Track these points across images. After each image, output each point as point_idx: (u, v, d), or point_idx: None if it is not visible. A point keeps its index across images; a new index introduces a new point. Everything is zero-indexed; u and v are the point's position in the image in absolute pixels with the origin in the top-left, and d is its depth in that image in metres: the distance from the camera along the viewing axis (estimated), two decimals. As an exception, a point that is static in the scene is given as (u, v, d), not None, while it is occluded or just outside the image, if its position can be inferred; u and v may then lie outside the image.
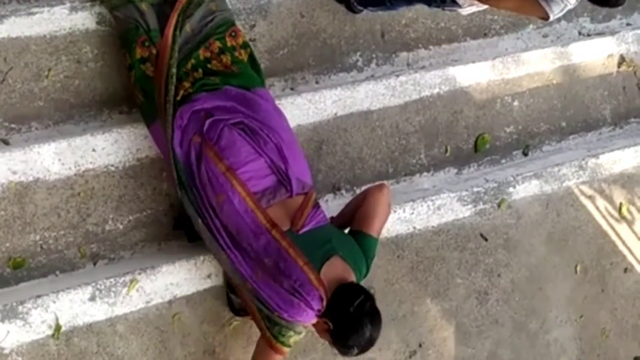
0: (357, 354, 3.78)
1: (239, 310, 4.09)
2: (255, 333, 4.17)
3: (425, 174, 4.83)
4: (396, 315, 4.53)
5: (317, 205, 3.95)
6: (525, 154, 5.10)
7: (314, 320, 3.79)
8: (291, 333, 3.81)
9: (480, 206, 4.72)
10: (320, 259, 3.75)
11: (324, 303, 3.72)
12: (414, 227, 4.56)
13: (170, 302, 4.04)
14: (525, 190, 4.83)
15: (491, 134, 4.99)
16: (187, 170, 3.84)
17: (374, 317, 3.76)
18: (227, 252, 3.81)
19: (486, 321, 4.78)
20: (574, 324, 5.01)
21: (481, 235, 4.73)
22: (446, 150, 4.87)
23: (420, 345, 4.61)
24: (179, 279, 4.03)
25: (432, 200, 4.60)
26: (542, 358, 4.94)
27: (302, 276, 3.70)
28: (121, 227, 4.12)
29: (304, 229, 3.82)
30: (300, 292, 3.69)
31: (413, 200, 4.57)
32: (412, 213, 4.54)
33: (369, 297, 3.73)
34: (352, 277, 3.84)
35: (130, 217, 4.13)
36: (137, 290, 3.96)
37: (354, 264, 3.87)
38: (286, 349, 3.87)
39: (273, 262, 3.73)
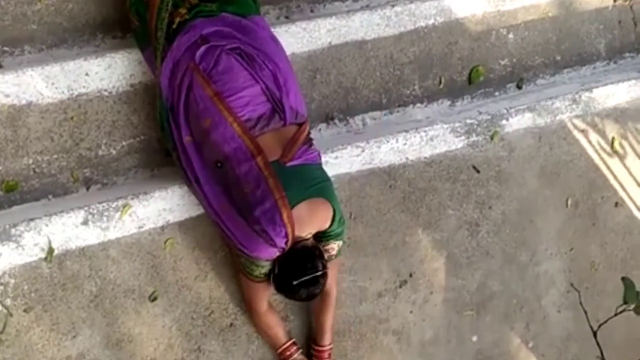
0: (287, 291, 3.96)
1: None
2: (247, 260, 4.21)
3: (418, 105, 4.83)
4: (387, 245, 4.55)
5: (310, 141, 3.96)
6: (519, 87, 5.10)
7: (277, 254, 3.84)
8: (254, 267, 3.89)
9: (473, 138, 4.72)
10: (300, 197, 3.78)
11: (289, 241, 3.77)
12: (407, 158, 4.56)
13: (162, 227, 4.06)
14: (518, 123, 4.83)
15: (485, 66, 4.97)
16: (170, 100, 3.84)
17: (314, 285, 3.88)
18: (193, 185, 3.86)
19: (476, 252, 4.80)
20: (563, 257, 5.05)
21: (473, 167, 4.74)
22: (440, 82, 4.86)
23: (410, 275, 4.64)
24: (171, 205, 4.04)
25: (425, 132, 4.60)
26: (531, 290, 4.98)
27: (274, 209, 3.71)
28: (114, 152, 4.13)
29: (292, 162, 3.83)
30: (265, 229, 3.71)
31: (406, 131, 4.57)
32: (405, 144, 4.54)
33: (316, 281, 3.86)
34: (327, 223, 3.92)
35: (124, 143, 4.14)
36: (130, 216, 3.98)
37: (337, 208, 3.93)
38: (253, 278, 3.96)
39: (251, 190, 3.72)
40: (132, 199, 3.98)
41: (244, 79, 3.82)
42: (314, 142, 4.02)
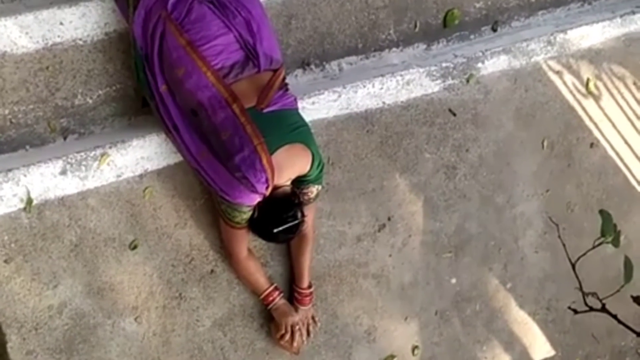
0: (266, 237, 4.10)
1: None
2: (226, 206, 4.22)
3: (394, 49, 4.82)
4: (365, 189, 4.58)
5: (285, 87, 3.97)
6: (494, 30, 5.10)
7: (259, 200, 3.87)
8: (236, 214, 3.90)
9: (449, 81, 4.73)
10: (279, 142, 3.80)
11: (270, 186, 3.80)
12: (383, 102, 4.57)
13: (141, 176, 4.06)
14: (493, 65, 4.84)
15: (460, 9, 4.97)
16: (145, 49, 3.83)
17: (292, 235, 4.04)
18: (172, 133, 3.86)
19: (454, 195, 4.84)
20: (540, 198, 5.09)
21: (450, 110, 4.75)
22: (415, 26, 4.86)
23: (389, 219, 4.67)
24: (149, 153, 4.04)
25: (401, 76, 4.61)
26: (508, 231, 5.03)
27: (253, 155, 3.72)
28: (90, 101, 4.11)
29: (269, 109, 3.84)
30: (246, 175, 3.73)
31: (382, 76, 4.57)
32: (382, 88, 4.55)
33: (295, 228, 3.97)
34: (307, 168, 3.95)
35: (100, 92, 4.12)
36: (108, 164, 3.98)
37: (315, 152, 3.95)
38: (234, 224, 3.98)
39: (229, 137, 3.73)
40: (110, 147, 3.97)
41: (216, 28, 3.80)
42: (289, 87, 4.02)
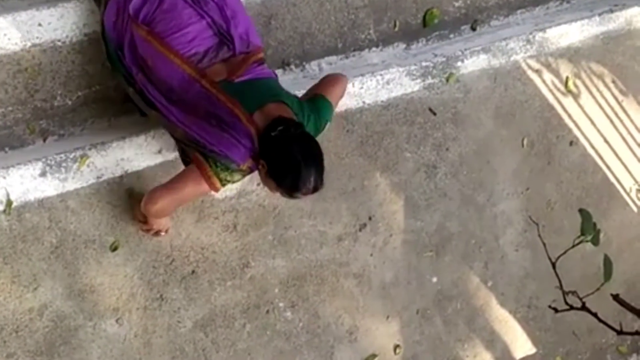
0: (306, 192, 3.64)
1: None
2: (207, 207, 4.22)
3: (374, 49, 4.83)
4: (346, 189, 4.58)
5: (261, 62, 3.87)
6: (473, 29, 5.11)
7: (249, 162, 3.67)
8: (226, 174, 3.69)
9: (429, 80, 4.74)
10: (258, 103, 3.67)
11: (256, 142, 3.62)
12: (364, 102, 4.58)
13: (121, 177, 4.05)
14: (473, 64, 4.85)
15: (440, 8, 4.98)
16: (117, 41, 3.81)
17: (303, 140, 3.64)
18: (158, 109, 3.78)
19: (435, 194, 4.85)
20: (520, 197, 5.11)
21: (430, 109, 4.76)
22: (395, 25, 4.86)
23: (370, 218, 4.68)
24: (129, 154, 4.03)
25: (381, 75, 4.61)
26: (489, 230, 5.04)
27: (231, 118, 3.64)
28: (70, 103, 4.10)
29: (241, 78, 3.75)
30: (230, 132, 3.63)
31: (362, 75, 4.58)
32: (362, 88, 4.55)
33: (296, 125, 3.64)
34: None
35: (79, 93, 4.11)
36: (88, 166, 3.96)
37: (301, 114, 3.79)
38: (216, 184, 3.71)
39: (205, 110, 3.69)
40: (90, 149, 3.96)
41: (188, 16, 3.77)
42: (265, 63, 3.91)
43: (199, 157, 3.70)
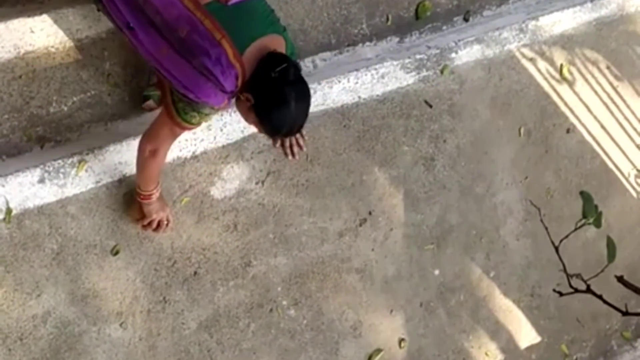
0: (286, 134, 3.62)
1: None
2: (207, 208, 4.22)
3: (367, 43, 4.82)
4: (345, 184, 4.58)
5: None
6: (466, 20, 5.11)
7: (226, 104, 3.54)
8: (194, 114, 3.56)
9: (424, 73, 4.74)
10: (251, 36, 3.44)
11: (240, 82, 3.43)
12: (359, 97, 4.57)
13: (120, 181, 4.05)
14: (467, 55, 4.85)
15: (432, 0, 4.98)
16: None
17: (300, 87, 3.48)
18: (126, 33, 3.54)
19: (434, 187, 4.85)
20: (519, 186, 5.11)
21: (425, 101, 4.76)
22: (387, 19, 4.86)
23: (370, 213, 4.67)
24: (127, 158, 4.02)
25: (375, 69, 4.61)
26: (489, 220, 5.04)
27: (217, 50, 3.37)
28: (65, 108, 4.09)
29: (234, 1, 3.45)
30: (212, 71, 3.38)
31: (357, 70, 4.57)
32: (357, 82, 4.55)
33: (294, 66, 3.44)
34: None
35: (74, 99, 4.10)
36: (86, 171, 3.96)
37: (290, 45, 3.65)
38: (187, 125, 3.61)
39: (187, 34, 3.39)
40: (87, 154, 3.95)
41: None
42: None
43: (168, 96, 3.57)
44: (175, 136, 3.73)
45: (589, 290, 3.15)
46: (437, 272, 4.91)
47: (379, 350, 4.76)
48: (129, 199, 4.08)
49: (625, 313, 3.22)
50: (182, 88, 3.45)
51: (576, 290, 3.20)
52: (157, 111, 3.92)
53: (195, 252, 4.24)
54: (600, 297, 3.16)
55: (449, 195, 4.90)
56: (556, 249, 3.13)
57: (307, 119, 3.56)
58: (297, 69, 3.48)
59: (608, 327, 5.58)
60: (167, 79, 3.52)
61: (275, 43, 3.52)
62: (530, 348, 5.28)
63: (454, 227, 4.93)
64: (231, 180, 4.29)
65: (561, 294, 3.33)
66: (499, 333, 5.16)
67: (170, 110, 3.59)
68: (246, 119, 3.57)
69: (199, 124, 3.64)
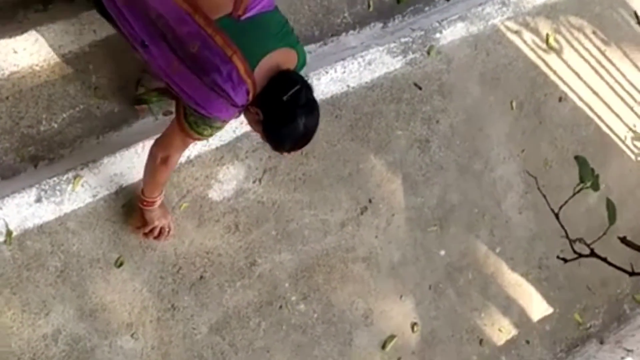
0: (290, 150, 3.63)
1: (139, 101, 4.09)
2: (207, 211, 4.21)
3: (351, 32, 4.81)
4: (342, 174, 4.58)
5: None
6: (447, -1, 5.11)
7: (237, 115, 3.58)
8: (206, 127, 3.58)
9: (410, 56, 4.73)
10: (264, 50, 3.45)
11: (251, 97, 3.45)
12: (348, 86, 4.57)
13: (117, 192, 4.04)
14: (452, 34, 4.85)
15: (411, -18, 4.98)
16: None
17: (310, 109, 3.54)
18: (139, 50, 3.56)
19: (431, 168, 4.84)
20: (516, 159, 5.10)
21: (415, 84, 4.75)
22: (369, 6, 4.85)
23: (370, 201, 4.67)
24: (122, 169, 4.02)
25: (362, 57, 4.60)
26: (490, 196, 5.04)
27: (228, 66, 3.38)
28: (56, 125, 4.08)
29: (247, 15, 3.44)
30: (223, 88, 3.40)
31: (343, 59, 4.57)
32: (344, 72, 4.54)
33: (306, 87, 3.50)
34: (292, 68, 3.61)
35: (64, 115, 4.09)
36: (82, 186, 3.95)
37: (302, 58, 3.66)
38: (199, 137, 3.65)
39: (198, 49, 3.40)
40: (82, 169, 3.95)
41: None
42: None
43: (180, 108, 3.60)
44: (186, 145, 3.76)
45: (592, 254, 3.15)
46: (442, 252, 4.91)
47: (392, 337, 4.75)
48: (128, 209, 4.07)
49: (632, 273, 3.21)
50: (193, 104, 3.48)
51: (580, 255, 3.20)
52: (167, 120, 3.92)
53: (199, 256, 4.24)
54: (604, 259, 3.16)
55: (447, 175, 4.90)
56: (556, 215, 3.13)
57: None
58: (309, 90, 3.52)
59: (619, 291, 5.58)
60: (178, 94, 3.54)
61: (287, 57, 3.54)
62: (543, 320, 5.28)
63: (455, 206, 4.93)
64: (228, 181, 4.29)
65: (565, 260, 3.33)
66: (511, 308, 5.15)
67: (182, 123, 3.61)
68: (252, 127, 3.62)
69: (210, 135, 3.67)
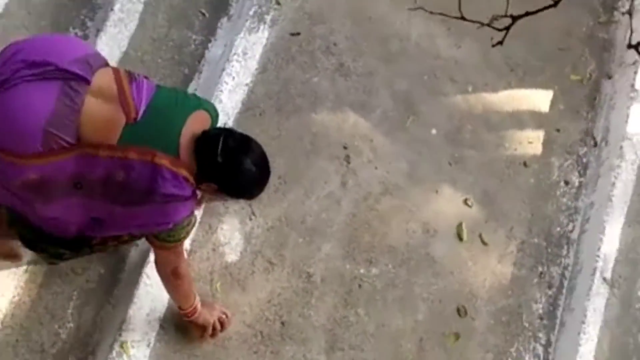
0: (262, 189, 3.61)
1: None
2: (239, 273, 4.23)
3: (209, 44, 4.86)
4: (306, 149, 4.63)
5: (133, 77, 3.38)
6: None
7: (197, 203, 3.55)
8: (180, 231, 3.50)
9: (268, 17, 4.83)
10: (176, 134, 3.34)
11: (192, 180, 3.37)
12: (246, 84, 4.63)
13: (161, 326, 4.07)
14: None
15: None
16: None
17: (245, 147, 3.45)
18: (73, 227, 3.49)
19: (364, 80, 4.89)
20: (419, 13, 5.07)
21: (291, 34, 4.79)
22: (204, 14, 4.88)
23: (345, 148, 4.69)
24: (147, 306, 4.04)
25: (235, 54, 4.67)
26: (425, 59, 5.03)
27: (157, 170, 3.26)
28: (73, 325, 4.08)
29: (140, 112, 3.30)
30: (167, 193, 3.30)
31: (224, 69, 4.61)
32: (234, 77, 4.61)
33: (227, 132, 3.44)
34: (208, 125, 3.52)
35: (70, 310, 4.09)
36: (133, 347, 3.97)
37: (211, 108, 3.60)
38: (182, 241, 3.58)
39: (123, 177, 3.27)
40: (120, 334, 3.96)
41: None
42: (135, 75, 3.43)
43: (149, 239, 3.57)
44: (181, 252, 3.69)
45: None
46: (433, 131, 4.90)
47: (459, 225, 4.73)
48: (182, 330, 4.08)
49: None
50: (154, 229, 3.45)
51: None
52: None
53: (266, 310, 4.24)
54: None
55: (380, 73, 4.92)
56: None
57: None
58: (232, 132, 3.45)
59: (584, 30, 5.50)
60: (138, 235, 3.55)
61: (198, 120, 3.44)
62: (552, 104, 5.19)
63: (409, 89, 4.94)
64: (231, 237, 4.30)
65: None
66: (521, 119, 5.12)
67: (160, 244, 3.57)
68: (216, 200, 3.66)
69: (190, 232, 3.60)
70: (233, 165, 3.40)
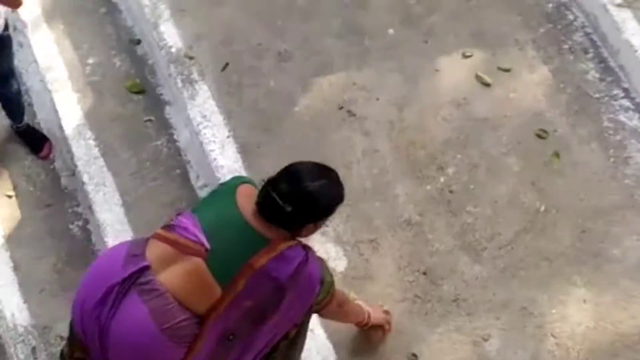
0: (342, 198, 3.35)
1: None
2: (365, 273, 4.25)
3: (178, 103, 4.90)
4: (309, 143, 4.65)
5: (170, 226, 3.28)
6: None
7: (310, 251, 3.38)
8: (326, 281, 3.42)
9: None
10: (243, 225, 3.23)
11: (292, 240, 3.28)
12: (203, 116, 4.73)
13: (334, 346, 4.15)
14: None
15: None
16: None
17: (297, 177, 3.24)
18: None
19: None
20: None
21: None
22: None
23: (341, 108, 4.73)
24: (324, 349, 4.13)
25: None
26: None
27: (265, 271, 3.19)
28: None
29: (204, 242, 3.20)
30: (291, 274, 3.22)
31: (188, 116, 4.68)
32: (201, 124, 4.63)
33: (272, 183, 3.20)
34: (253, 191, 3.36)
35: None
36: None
37: (239, 179, 3.50)
38: (332, 280, 3.48)
39: (251, 301, 3.21)
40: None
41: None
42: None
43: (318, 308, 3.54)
44: (337, 291, 3.57)
45: None
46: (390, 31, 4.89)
47: (477, 77, 4.72)
48: (364, 340, 4.15)
49: None
50: (312, 301, 3.38)
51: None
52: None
53: (404, 276, 4.27)
54: None
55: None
56: None
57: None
58: (274, 180, 3.21)
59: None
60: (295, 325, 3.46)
61: (244, 197, 3.30)
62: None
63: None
64: (327, 250, 4.33)
65: None
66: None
67: (325, 305, 3.51)
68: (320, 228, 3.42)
69: (330, 270, 3.50)
70: (304, 201, 3.22)
